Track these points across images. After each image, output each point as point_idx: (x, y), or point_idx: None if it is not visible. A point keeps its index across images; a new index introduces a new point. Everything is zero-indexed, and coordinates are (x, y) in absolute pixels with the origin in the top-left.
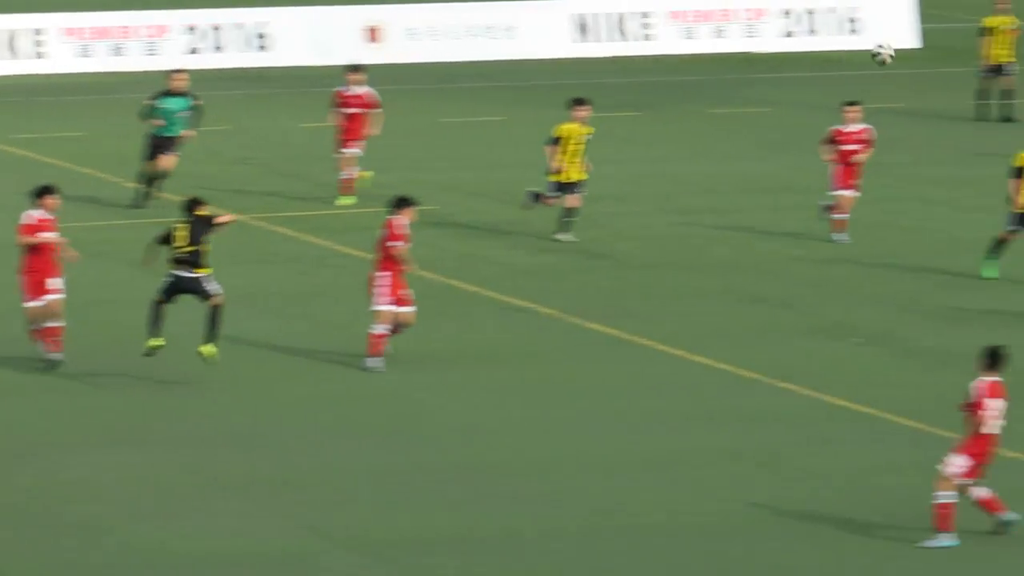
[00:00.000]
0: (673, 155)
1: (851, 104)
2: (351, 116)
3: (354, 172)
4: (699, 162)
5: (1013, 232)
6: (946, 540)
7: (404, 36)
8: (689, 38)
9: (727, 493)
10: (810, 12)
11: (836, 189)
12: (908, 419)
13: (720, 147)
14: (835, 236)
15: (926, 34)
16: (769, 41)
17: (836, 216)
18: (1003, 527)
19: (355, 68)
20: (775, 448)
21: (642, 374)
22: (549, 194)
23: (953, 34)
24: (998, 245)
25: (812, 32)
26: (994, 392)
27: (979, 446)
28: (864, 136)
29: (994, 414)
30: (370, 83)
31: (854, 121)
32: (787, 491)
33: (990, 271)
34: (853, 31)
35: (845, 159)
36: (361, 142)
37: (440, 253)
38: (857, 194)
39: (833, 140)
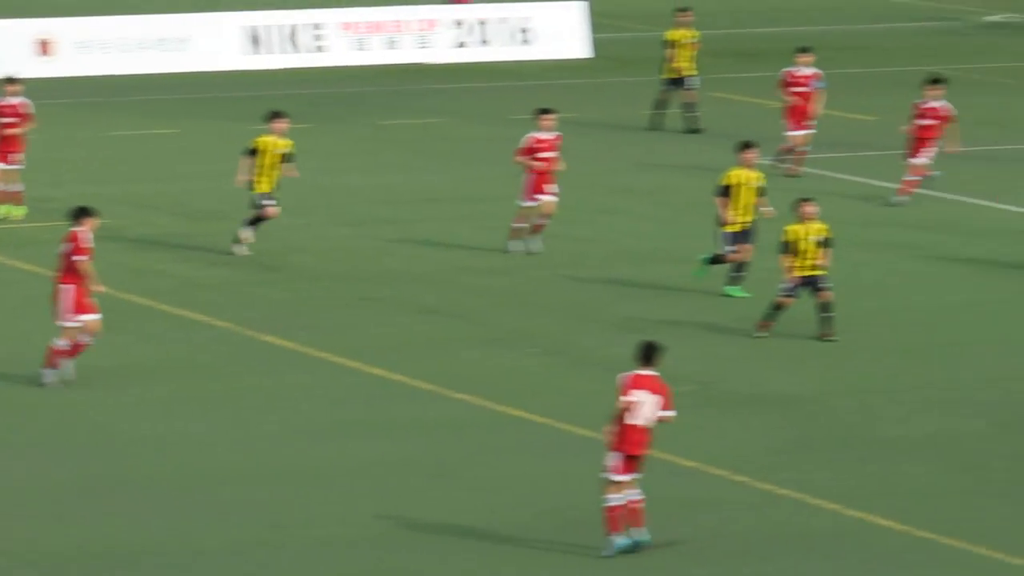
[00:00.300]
0: (346, 166)
1: (546, 112)
2: (4, 126)
3: (19, 185)
4: (372, 173)
5: (736, 252)
6: (619, 541)
7: (75, 49)
8: (361, 49)
9: (403, 504)
10: (482, 23)
11: (529, 198)
12: (583, 428)
13: (393, 158)
14: (529, 244)
15: (598, 44)
16: (441, 52)
17: (516, 224)
18: (634, 547)
19: (11, 80)
20: (450, 459)
21: (318, 386)
22: (264, 203)
23: (625, 44)
24: (715, 260)
25: (484, 43)
26: (639, 384)
27: (624, 437)
28: (559, 143)
29: (637, 405)
30: (42, 96)
31: (549, 129)
32: (462, 502)
33: (700, 273)
34: (525, 41)
35: (543, 167)
36: (20, 154)
37: (113, 267)
38: (555, 199)
39: (532, 148)
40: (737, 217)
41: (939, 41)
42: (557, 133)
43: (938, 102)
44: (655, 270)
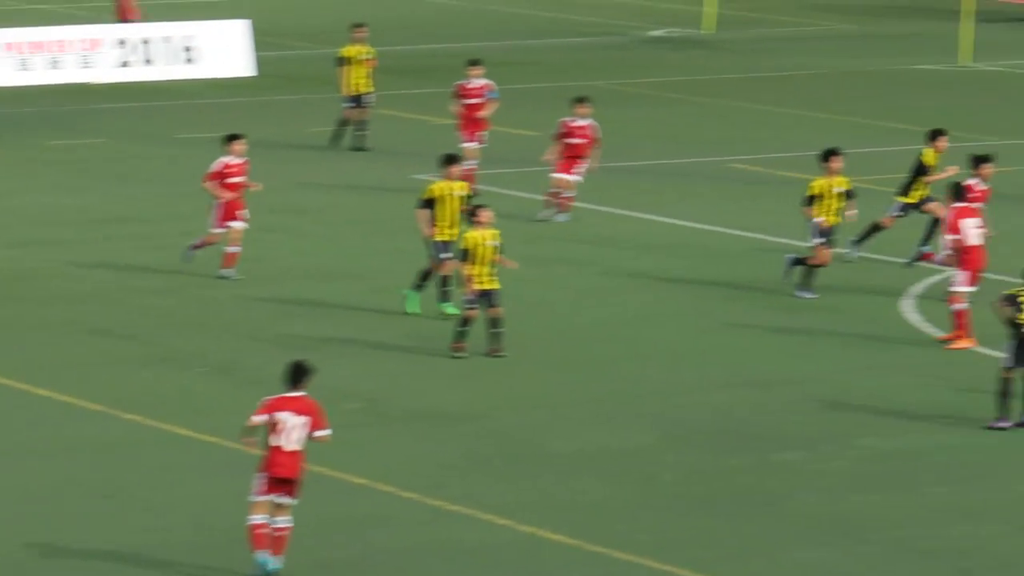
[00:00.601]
0: (10, 188)
1: (236, 137)
2: None
3: None
4: (37, 194)
5: (444, 261)
6: (264, 559)
7: None
8: (24, 69)
9: (73, 526)
10: (145, 42)
11: (221, 224)
12: (252, 447)
13: (58, 179)
14: (224, 272)
15: (261, 62)
16: (105, 71)
17: (200, 244)
18: (259, 567)
19: None
20: (120, 479)
21: None
22: None
23: (288, 62)
24: (426, 276)
25: (148, 62)
26: (283, 405)
27: (271, 460)
28: (247, 167)
29: (283, 428)
30: None
31: (240, 154)
32: (132, 522)
33: (413, 305)
34: (189, 60)
35: (235, 191)
36: None
37: None
38: (245, 225)
39: (221, 173)
40: (444, 229)
41: (604, 56)
42: (246, 158)
43: (585, 120)
44: (322, 288)
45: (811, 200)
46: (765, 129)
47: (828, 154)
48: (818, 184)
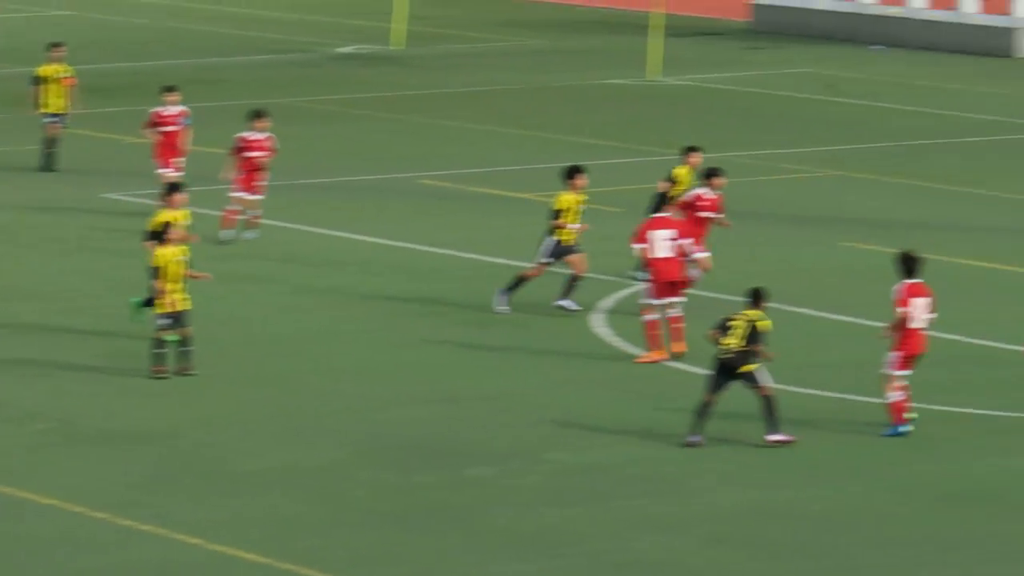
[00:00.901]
0: None
1: None
2: None
3: None
4: None
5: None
6: None
7: None
8: None
9: None
10: None
11: None
12: None
13: None
14: None
15: None
16: None
17: None
18: None
19: None
20: None
21: None
22: None
23: None
24: (150, 302)
25: None
26: None
27: None
28: None
29: None
30: None
31: None
32: None
33: (139, 316)
34: None
35: None
36: None
37: None
38: None
39: None
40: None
41: (293, 73)
42: None
43: (263, 134)
44: (12, 308)
45: (558, 215)
46: (455, 145)
47: (573, 171)
48: (565, 199)
